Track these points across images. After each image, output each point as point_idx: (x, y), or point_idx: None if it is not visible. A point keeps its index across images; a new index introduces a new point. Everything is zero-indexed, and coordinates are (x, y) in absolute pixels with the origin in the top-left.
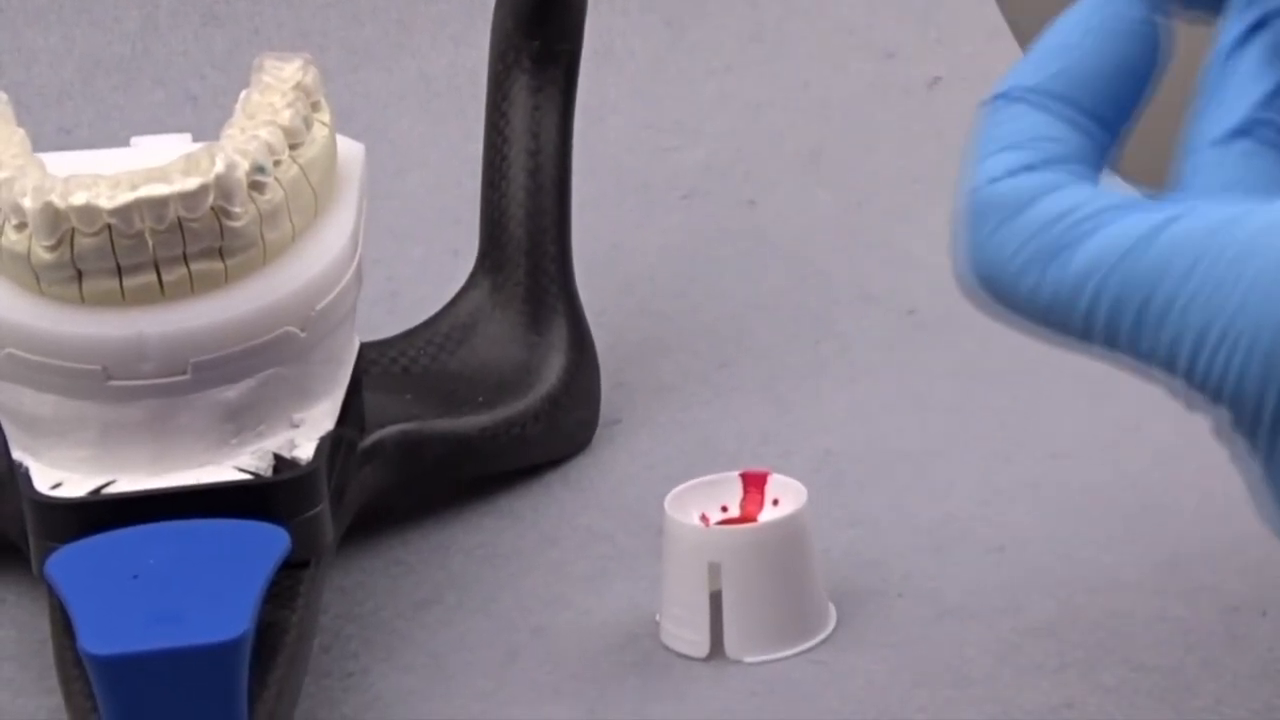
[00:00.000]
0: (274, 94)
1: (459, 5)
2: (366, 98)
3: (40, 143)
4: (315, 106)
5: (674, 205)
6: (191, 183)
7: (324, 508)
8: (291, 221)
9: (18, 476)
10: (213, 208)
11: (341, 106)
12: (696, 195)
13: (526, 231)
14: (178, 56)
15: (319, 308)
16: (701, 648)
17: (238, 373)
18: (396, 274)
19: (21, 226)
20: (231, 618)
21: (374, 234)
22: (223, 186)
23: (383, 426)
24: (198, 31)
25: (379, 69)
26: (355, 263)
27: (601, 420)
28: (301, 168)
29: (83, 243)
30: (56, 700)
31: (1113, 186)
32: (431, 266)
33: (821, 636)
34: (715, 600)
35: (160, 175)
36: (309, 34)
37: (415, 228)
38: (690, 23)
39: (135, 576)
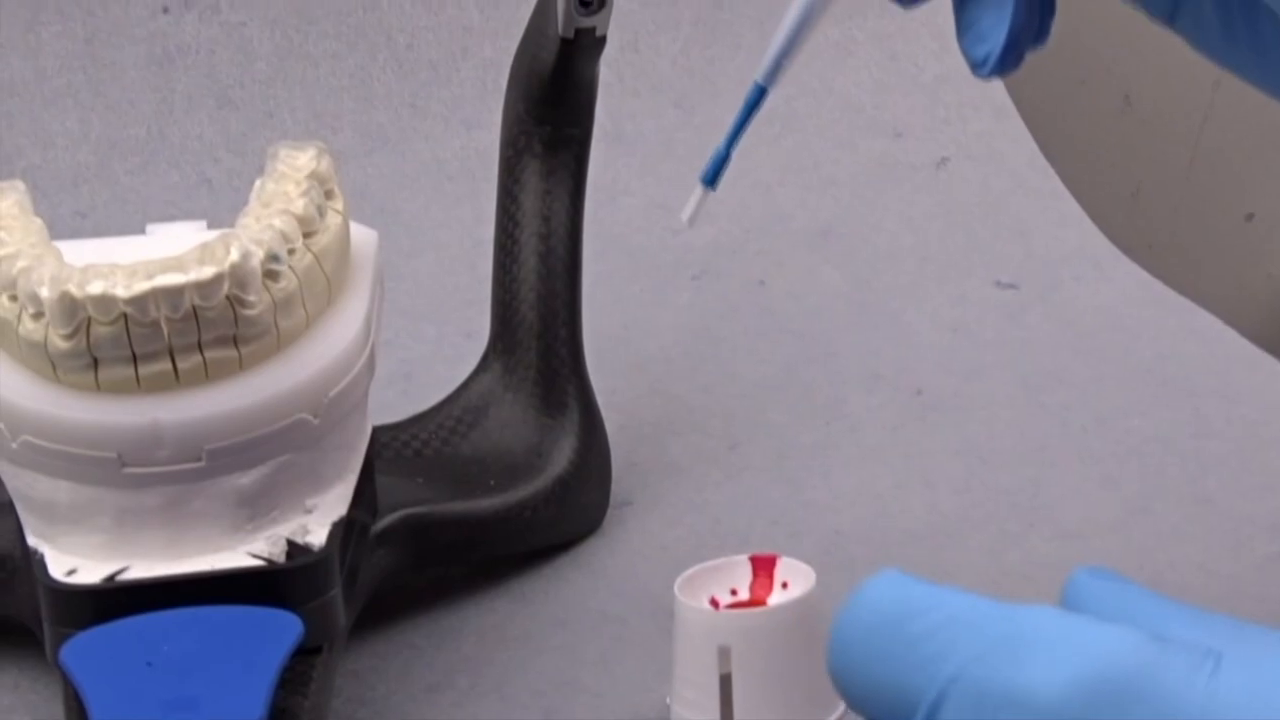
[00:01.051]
0: (288, 182)
1: (471, 89)
2: (380, 180)
3: (56, 226)
4: (329, 194)
5: (684, 285)
6: (207, 271)
7: (336, 593)
8: (305, 309)
9: (32, 563)
10: (228, 296)
11: (355, 189)
12: (707, 275)
13: (538, 315)
14: (193, 140)
15: (332, 394)
16: None
17: (252, 459)
18: (409, 355)
19: (39, 315)
20: (245, 705)
21: (387, 315)
22: (237, 275)
23: (395, 510)
24: (212, 115)
25: (392, 152)
26: (368, 350)
27: (612, 502)
28: (315, 256)
29: (99, 331)
30: None
31: None
32: (444, 348)
33: None
34: (725, 683)
35: (176, 264)
36: (323, 117)
37: (428, 309)
38: (699, 104)
39: (149, 664)
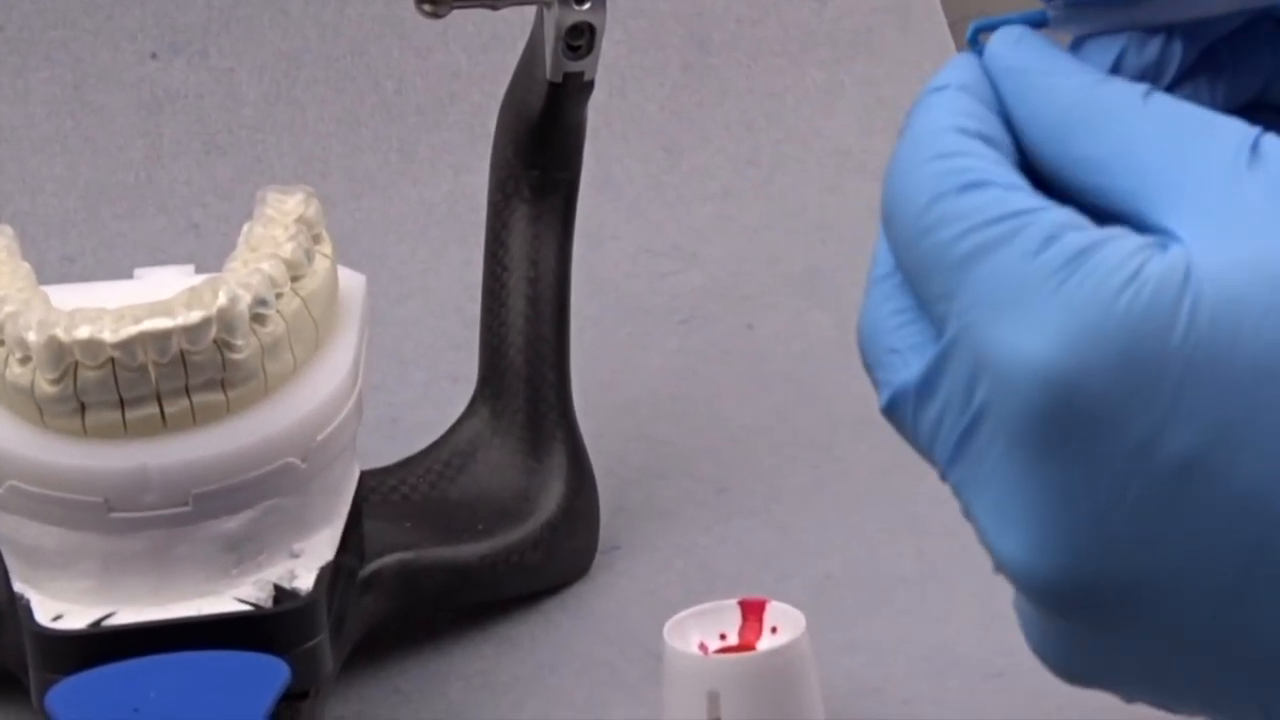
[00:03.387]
0: (276, 227)
1: (459, 134)
2: (368, 225)
3: (44, 271)
4: (317, 239)
5: (672, 329)
6: (194, 316)
7: (323, 638)
8: (293, 353)
9: (19, 608)
10: (215, 340)
11: (343, 233)
12: (695, 319)
13: (525, 359)
14: (181, 185)
15: (319, 439)
16: None
17: (238, 503)
18: (397, 400)
19: (25, 360)
20: None
21: (374, 359)
22: (225, 319)
23: (382, 555)
24: (200, 160)
25: (380, 197)
26: (355, 394)
27: (600, 546)
28: (303, 300)
29: (86, 376)
30: None
31: None
32: (432, 392)
33: None
34: None
35: (163, 309)
36: (311, 162)
37: (416, 354)
38: (687, 148)
39: (136, 709)
